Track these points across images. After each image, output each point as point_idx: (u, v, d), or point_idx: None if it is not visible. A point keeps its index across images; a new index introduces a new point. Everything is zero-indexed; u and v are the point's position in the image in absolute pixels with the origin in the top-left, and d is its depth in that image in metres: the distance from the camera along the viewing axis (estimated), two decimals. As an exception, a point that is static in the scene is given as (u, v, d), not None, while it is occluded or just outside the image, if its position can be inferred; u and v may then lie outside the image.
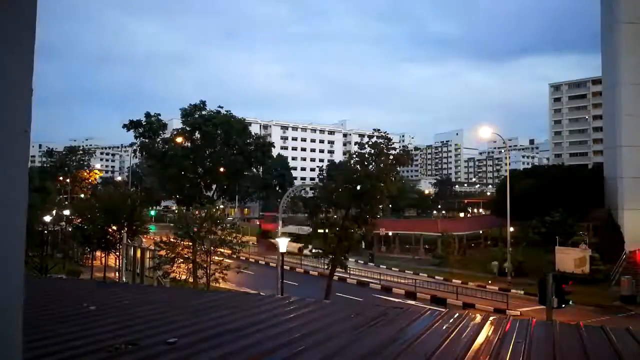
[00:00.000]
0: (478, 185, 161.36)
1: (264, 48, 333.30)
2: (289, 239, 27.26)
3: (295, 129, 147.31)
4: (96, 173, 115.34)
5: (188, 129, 63.75)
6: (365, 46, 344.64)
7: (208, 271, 24.42)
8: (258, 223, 79.65)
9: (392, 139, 29.93)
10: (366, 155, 28.75)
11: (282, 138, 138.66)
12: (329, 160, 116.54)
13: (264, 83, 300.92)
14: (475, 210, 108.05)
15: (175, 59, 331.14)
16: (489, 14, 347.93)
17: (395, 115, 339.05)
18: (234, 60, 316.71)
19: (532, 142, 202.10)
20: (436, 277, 41.24)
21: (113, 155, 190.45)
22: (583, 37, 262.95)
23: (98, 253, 39.25)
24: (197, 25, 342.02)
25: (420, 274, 43.19)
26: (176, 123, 76.16)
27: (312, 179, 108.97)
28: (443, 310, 7.76)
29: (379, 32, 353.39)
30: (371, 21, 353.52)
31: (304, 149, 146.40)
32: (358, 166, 29.30)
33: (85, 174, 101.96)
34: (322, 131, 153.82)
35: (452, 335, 5.63)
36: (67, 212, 41.28)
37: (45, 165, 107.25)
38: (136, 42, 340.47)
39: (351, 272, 39.22)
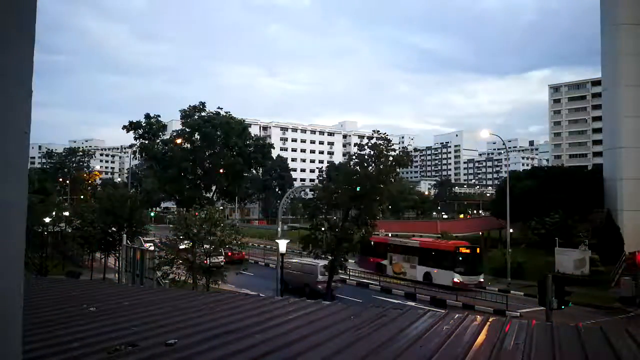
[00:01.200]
0: (478, 187, 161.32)
1: (264, 57, 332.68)
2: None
3: (295, 130, 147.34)
4: (96, 174, 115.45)
5: (188, 130, 63.77)
6: (365, 56, 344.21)
7: (207, 272, 24.39)
8: (257, 224, 79.84)
9: (391, 141, 29.92)
10: (366, 157, 28.74)
11: (281, 139, 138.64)
12: (328, 162, 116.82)
13: (263, 90, 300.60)
14: (475, 212, 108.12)
15: (174, 69, 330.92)
16: (490, 31, 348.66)
17: (396, 120, 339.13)
18: (232, 69, 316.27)
19: (531, 143, 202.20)
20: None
21: (113, 156, 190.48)
22: (587, 51, 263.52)
23: (98, 254, 39.24)
24: (197, 37, 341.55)
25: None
26: (176, 124, 76.19)
27: (311, 180, 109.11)
28: (443, 311, 7.76)
29: (382, 43, 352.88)
30: (373, 33, 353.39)
31: (303, 150, 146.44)
32: (358, 167, 29.29)
33: (85, 175, 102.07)
34: (321, 132, 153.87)
35: (452, 337, 5.63)
36: (66, 214, 41.24)
37: (45, 166, 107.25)
38: (138, 51, 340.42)
39: (351, 273, 39.19)
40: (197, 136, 63.97)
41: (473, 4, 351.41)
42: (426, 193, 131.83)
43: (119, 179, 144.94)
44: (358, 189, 27.79)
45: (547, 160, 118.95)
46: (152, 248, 27.19)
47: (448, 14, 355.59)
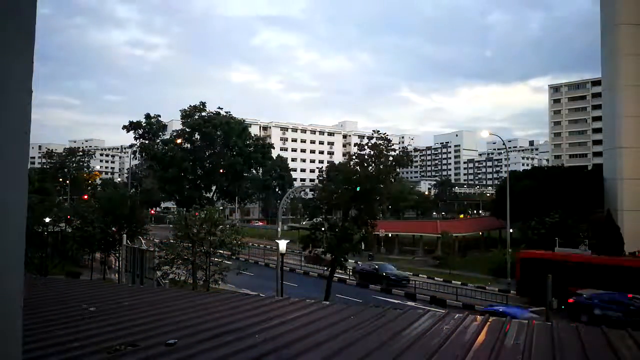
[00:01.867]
0: (478, 187, 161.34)
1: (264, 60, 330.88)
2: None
3: (295, 130, 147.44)
4: (96, 174, 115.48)
5: (188, 130, 63.81)
6: (368, 62, 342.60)
7: (207, 272, 24.40)
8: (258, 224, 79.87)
9: (391, 140, 29.90)
10: (366, 157, 28.73)
11: (281, 139, 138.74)
12: (328, 162, 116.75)
13: (263, 92, 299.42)
14: (475, 212, 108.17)
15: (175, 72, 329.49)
16: (492, 40, 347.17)
17: (396, 122, 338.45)
18: (233, 73, 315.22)
19: (531, 143, 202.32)
20: (436, 278, 41.23)
21: (113, 156, 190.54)
22: (587, 58, 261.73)
23: (98, 254, 39.24)
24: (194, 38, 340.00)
25: (420, 275, 43.16)
26: (176, 124, 76.27)
27: (311, 180, 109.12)
28: (443, 311, 7.76)
29: (384, 50, 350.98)
30: (377, 41, 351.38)
31: (303, 150, 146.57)
32: (358, 167, 29.29)
33: (85, 175, 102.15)
34: (321, 132, 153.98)
35: (452, 336, 5.64)
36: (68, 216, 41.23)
37: (44, 166, 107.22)
38: (140, 51, 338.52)
39: (351, 273, 39.21)
40: (197, 136, 64.00)
41: (479, 16, 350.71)
42: (426, 193, 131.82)
43: (119, 179, 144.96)
44: (358, 189, 27.77)
45: (547, 160, 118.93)
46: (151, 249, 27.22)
47: (451, 22, 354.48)
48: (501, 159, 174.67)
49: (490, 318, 7.00)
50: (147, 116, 61.79)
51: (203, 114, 64.01)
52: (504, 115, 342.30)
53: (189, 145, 64.26)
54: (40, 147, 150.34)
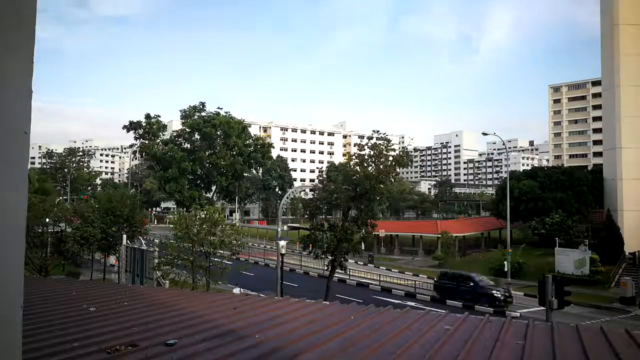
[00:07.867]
0: (478, 187, 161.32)
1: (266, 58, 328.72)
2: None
3: (295, 130, 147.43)
4: (96, 175, 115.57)
5: (188, 130, 63.87)
6: (365, 57, 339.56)
7: (207, 272, 24.40)
8: (258, 224, 79.86)
9: (391, 140, 29.91)
10: (366, 157, 28.72)
11: (281, 139, 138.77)
12: (328, 162, 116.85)
13: (263, 93, 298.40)
14: (475, 212, 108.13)
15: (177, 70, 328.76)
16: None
17: (395, 119, 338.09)
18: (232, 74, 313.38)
19: (531, 143, 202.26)
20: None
21: (113, 156, 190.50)
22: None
23: (98, 254, 39.21)
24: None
25: (420, 275, 43.17)
26: (176, 124, 76.36)
27: (311, 180, 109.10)
28: (443, 311, 7.76)
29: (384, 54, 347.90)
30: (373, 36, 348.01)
31: (303, 151, 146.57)
32: (357, 167, 29.28)
33: (86, 175, 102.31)
34: (321, 132, 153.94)
35: (452, 336, 5.64)
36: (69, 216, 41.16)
37: (45, 166, 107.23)
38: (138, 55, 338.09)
39: (351, 273, 39.21)
40: (197, 136, 64.10)
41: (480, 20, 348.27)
42: (426, 193, 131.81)
43: (119, 179, 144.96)
44: (358, 188, 27.78)
45: (547, 160, 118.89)
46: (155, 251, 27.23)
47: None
48: (501, 159, 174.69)
49: (490, 318, 7.00)
50: (147, 116, 61.79)
51: (203, 114, 64.10)
52: (504, 115, 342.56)
53: (188, 145, 64.33)
54: (40, 147, 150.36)
